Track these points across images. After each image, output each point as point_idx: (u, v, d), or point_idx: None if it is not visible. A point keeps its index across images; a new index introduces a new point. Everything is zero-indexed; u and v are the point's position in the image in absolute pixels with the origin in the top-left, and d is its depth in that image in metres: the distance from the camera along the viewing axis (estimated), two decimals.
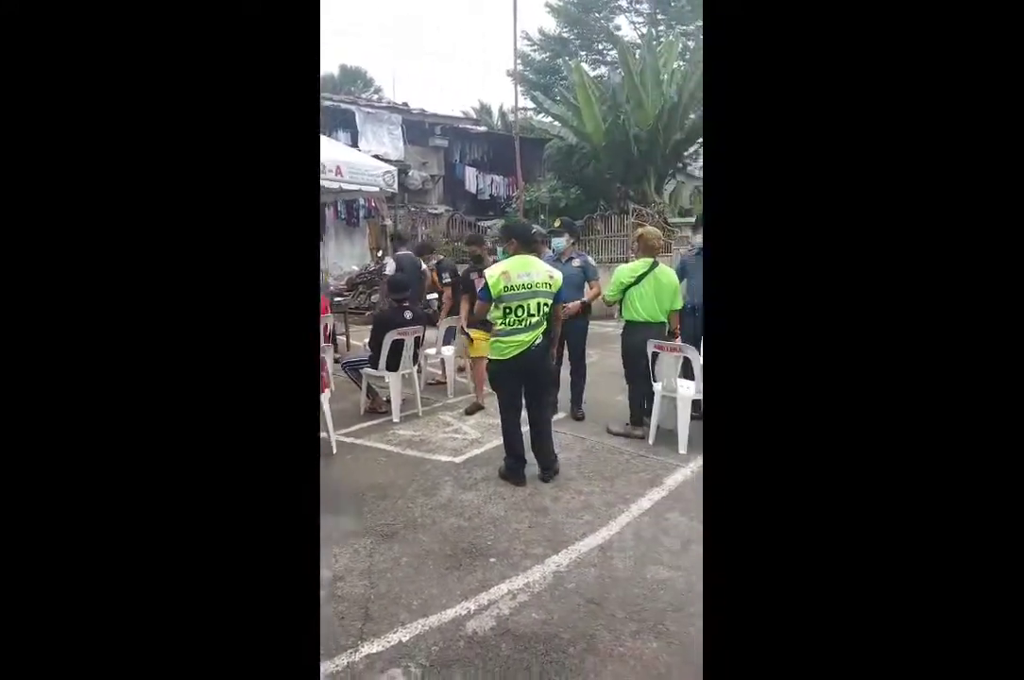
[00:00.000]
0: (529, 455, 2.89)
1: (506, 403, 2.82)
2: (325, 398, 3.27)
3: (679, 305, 3.48)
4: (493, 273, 2.67)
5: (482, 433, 3.59)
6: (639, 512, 2.55)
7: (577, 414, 3.85)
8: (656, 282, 3.34)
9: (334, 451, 3.27)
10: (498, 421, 2.96)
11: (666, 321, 3.45)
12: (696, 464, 3.10)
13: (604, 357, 5.68)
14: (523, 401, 2.86)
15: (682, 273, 3.74)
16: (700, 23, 13.39)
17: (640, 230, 3.66)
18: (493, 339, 2.76)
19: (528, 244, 2.92)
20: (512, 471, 2.86)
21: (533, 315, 2.67)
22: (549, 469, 2.89)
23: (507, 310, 2.65)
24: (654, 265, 3.37)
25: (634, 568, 2.12)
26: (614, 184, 10.35)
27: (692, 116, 10.15)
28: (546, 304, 2.71)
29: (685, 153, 10.70)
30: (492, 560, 2.18)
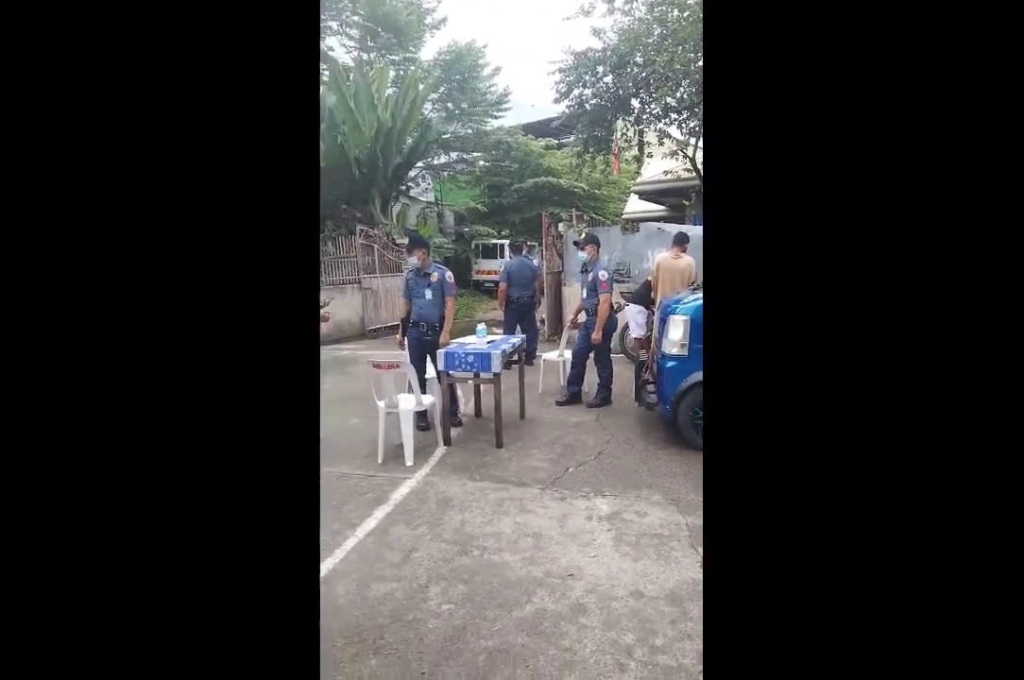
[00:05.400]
0: None
1: None
2: None
3: None
4: None
5: None
6: (364, 534, 2.58)
7: None
8: None
9: None
10: None
11: None
12: (421, 473, 3.27)
13: (341, 382, 5.60)
14: None
15: (408, 292, 4.02)
16: (406, 55, 14.14)
17: None
18: None
19: None
20: None
21: None
22: None
23: None
24: None
25: (356, 591, 2.13)
26: (340, 205, 10.27)
27: (409, 140, 10.69)
28: None
29: (407, 176, 11.20)
30: None
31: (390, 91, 11.52)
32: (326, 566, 2.31)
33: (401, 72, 13.58)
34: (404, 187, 11.62)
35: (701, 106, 7.45)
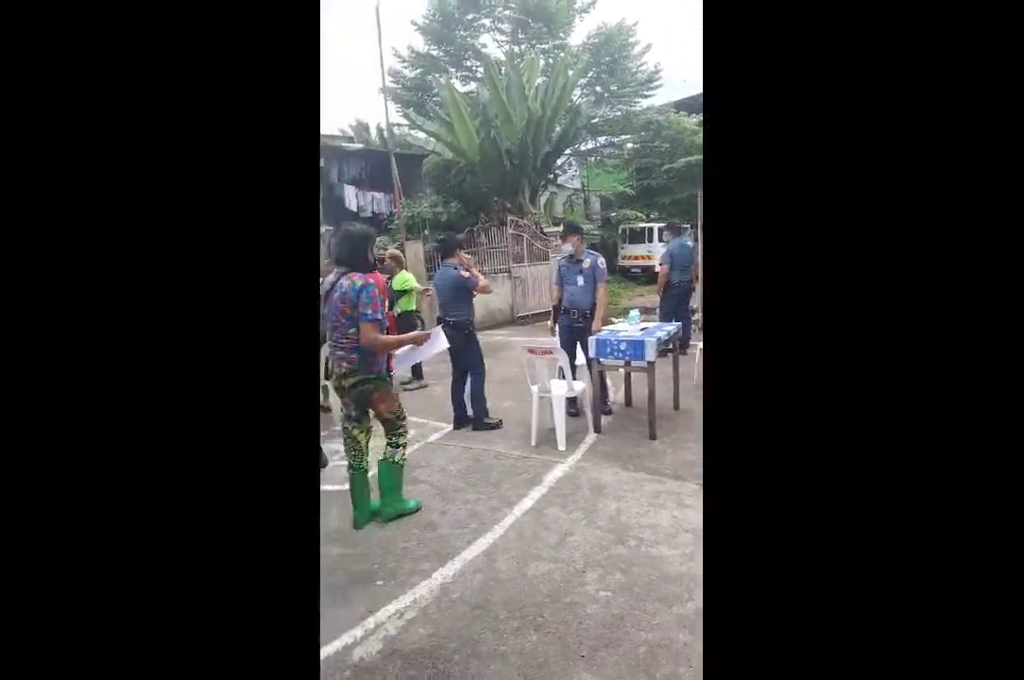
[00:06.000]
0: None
1: None
2: None
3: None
4: None
5: (371, 457, 3.55)
6: (521, 512, 2.66)
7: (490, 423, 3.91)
8: None
9: None
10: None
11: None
12: (573, 458, 3.28)
13: (494, 366, 5.82)
14: None
15: (560, 279, 4.03)
16: (556, 42, 14.12)
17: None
18: None
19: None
20: None
21: None
22: None
23: None
24: None
25: (516, 567, 2.21)
26: (492, 197, 10.63)
27: (558, 128, 10.70)
28: None
29: (555, 164, 11.25)
30: (379, 583, 2.18)
31: (540, 80, 11.60)
32: (487, 540, 2.43)
33: (551, 60, 13.60)
34: (552, 175, 11.72)
35: None
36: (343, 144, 12.11)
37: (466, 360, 3.85)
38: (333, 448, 3.71)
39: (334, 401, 4.35)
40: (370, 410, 2.62)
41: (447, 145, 10.89)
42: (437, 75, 13.80)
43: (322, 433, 3.88)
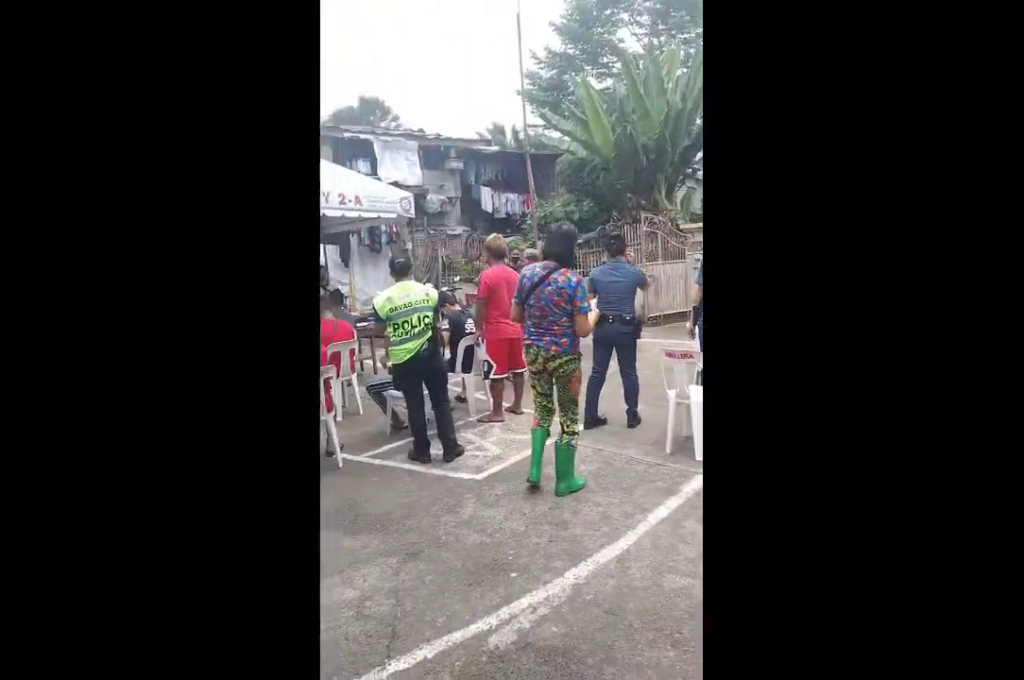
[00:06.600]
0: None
1: (409, 397, 3.50)
2: (331, 417, 3.59)
3: None
4: (378, 300, 3.41)
5: (503, 449, 3.65)
6: (656, 521, 2.57)
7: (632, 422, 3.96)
8: None
9: (339, 465, 3.50)
10: (519, 437, 3.10)
11: None
12: None
13: None
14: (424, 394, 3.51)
15: (702, 279, 3.86)
16: (700, 30, 13.48)
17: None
18: (391, 348, 3.42)
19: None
20: (419, 451, 3.52)
21: (416, 326, 3.35)
22: (451, 451, 3.51)
23: (395, 326, 3.34)
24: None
25: (651, 577, 2.14)
26: (625, 194, 10.40)
27: (698, 121, 10.18)
28: (426, 316, 3.39)
29: (694, 159, 10.72)
30: (513, 575, 2.23)
31: (680, 71, 11.13)
32: (620, 545, 2.38)
33: (692, 50, 12.99)
34: (690, 170, 11.19)
35: None
36: (480, 147, 12.55)
37: (627, 358, 3.88)
38: (468, 438, 3.89)
39: (470, 393, 4.56)
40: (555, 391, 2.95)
41: (581, 143, 10.85)
42: (573, 74, 13.80)
43: (458, 423, 4.06)
